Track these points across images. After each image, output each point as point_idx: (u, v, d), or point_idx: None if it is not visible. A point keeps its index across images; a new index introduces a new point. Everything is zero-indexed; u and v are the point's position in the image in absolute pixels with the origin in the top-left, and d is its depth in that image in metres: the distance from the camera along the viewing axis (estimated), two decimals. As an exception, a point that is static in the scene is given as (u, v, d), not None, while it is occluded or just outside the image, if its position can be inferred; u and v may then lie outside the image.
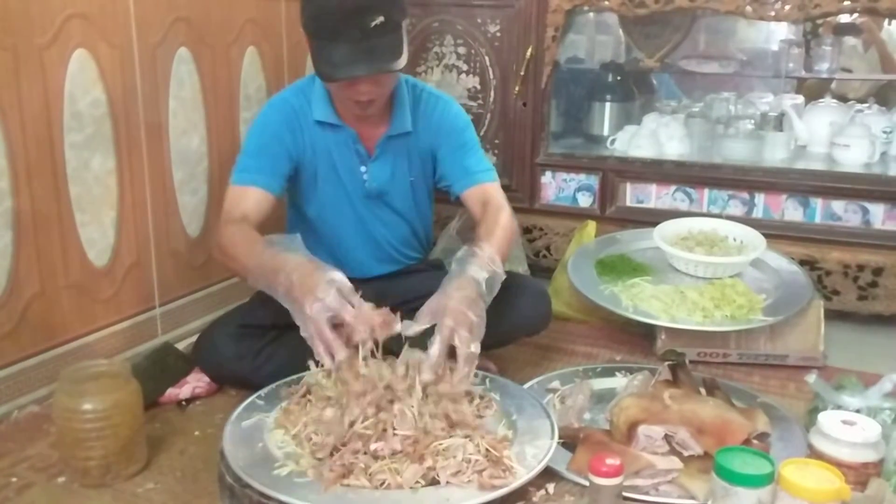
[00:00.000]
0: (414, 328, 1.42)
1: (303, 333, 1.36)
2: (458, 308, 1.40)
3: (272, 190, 1.70)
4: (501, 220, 1.70)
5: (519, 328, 1.82)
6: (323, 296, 1.33)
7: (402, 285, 1.90)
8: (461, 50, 2.57)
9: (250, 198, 1.66)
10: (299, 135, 1.75)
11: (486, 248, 1.54)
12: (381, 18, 1.50)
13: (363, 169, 1.80)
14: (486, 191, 1.80)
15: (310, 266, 1.40)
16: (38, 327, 1.69)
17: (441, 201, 2.03)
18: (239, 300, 1.97)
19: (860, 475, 1.28)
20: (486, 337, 1.63)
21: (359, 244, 1.88)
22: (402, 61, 1.55)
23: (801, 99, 3.10)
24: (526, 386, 1.69)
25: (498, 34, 2.52)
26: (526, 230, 2.58)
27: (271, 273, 1.41)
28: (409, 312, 1.86)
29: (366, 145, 1.78)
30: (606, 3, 2.37)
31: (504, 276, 1.54)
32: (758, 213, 2.38)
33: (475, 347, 1.40)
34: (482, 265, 1.49)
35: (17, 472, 1.46)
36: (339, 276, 1.38)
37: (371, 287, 1.89)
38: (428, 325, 1.41)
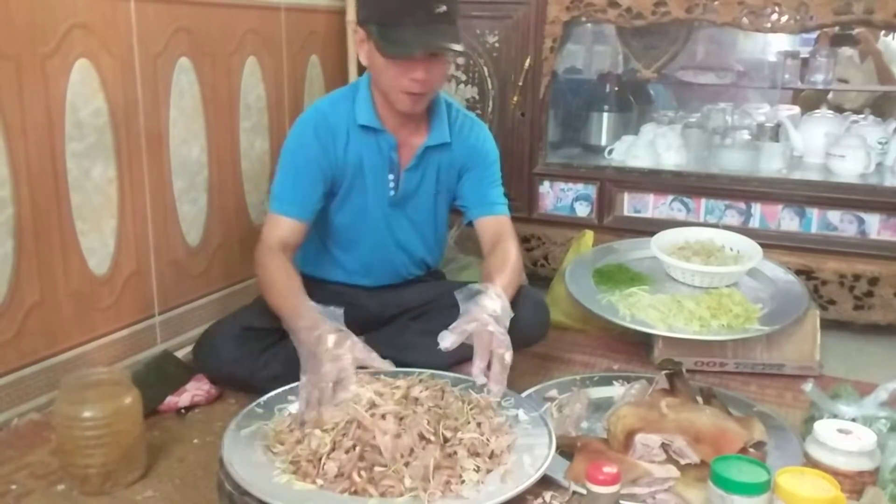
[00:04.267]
0: (450, 338, 1.49)
1: (304, 383, 1.44)
2: (490, 320, 1.51)
3: (305, 218, 1.77)
4: (512, 256, 1.78)
5: (517, 338, 1.82)
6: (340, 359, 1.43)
7: (403, 293, 1.91)
8: (460, 60, 2.59)
9: (285, 227, 1.74)
10: (332, 149, 1.78)
11: (494, 286, 1.61)
12: (444, 7, 1.62)
13: (391, 177, 1.83)
14: (500, 223, 1.88)
15: (339, 332, 1.47)
16: (38, 335, 1.69)
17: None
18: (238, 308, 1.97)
19: (856, 484, 1.29)
20: None
21: (369, 250, 1.89)
22: (461, 47, 1.66)
23: (797, 110, 3.12)
24: (523, 395, 1.69)
25: (496, 45, 2.53)
26: (524, 239, 2.59)
27: (304, 330, 1.49)
28: (410, 320, 1.88)
29: (401, 153, 1.81)
30: (604, 14, 2.38)
31: (512, 314, 1.59)
32: (754, 222, 2.40)
33: (509, 357, 1.50)
34: (492, 298, 1.56)
35: (17, 479, 1.46)
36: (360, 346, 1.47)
37: (374, 295, 1.91)
38: (465, 335, 1.50)
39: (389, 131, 1.79)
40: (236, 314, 1.82)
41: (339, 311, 1.50)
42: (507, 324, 1.56)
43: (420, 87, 1.67)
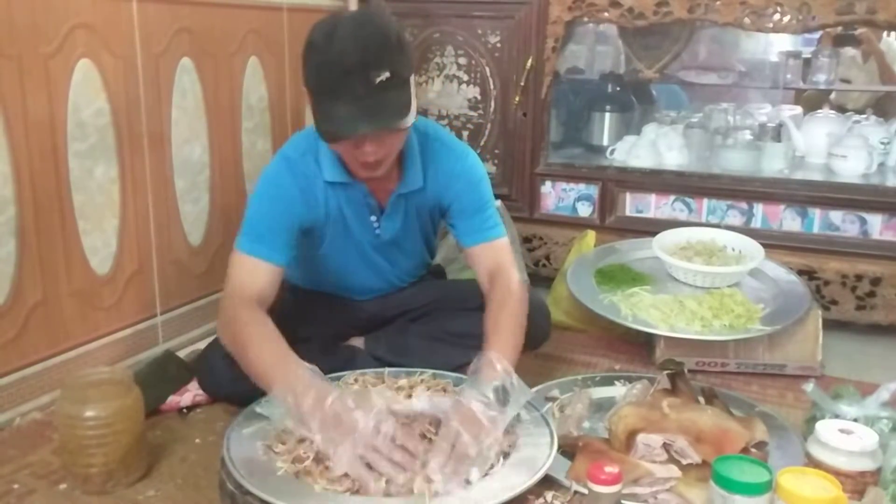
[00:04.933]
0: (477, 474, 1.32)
1: (345, 464, 1.28)
2: (467, 410, 1.35)
3: (283, 263, 1.60)
4: (513, 297, 1.62)
5: None
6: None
7: (404, 294, 1.91)
8: (462, 60, 2.59)
9: (262, 274, 1.56)
10: (311, 199, 1.65)
11: (497, 360, 1.44)
12: (387, 74, 1.40)
13: (374, 219, 1.72)
14: (495, 250, 1.72)
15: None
16: (40, 335, 1.70)
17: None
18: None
19: (857, 484, 1.29)
20: (478, 350, 1.56)
21: (365, 277, 1.85)
22: (410, 119, 1.47)
23: (799, 110, 3.12)
24: (525, 394, 1.69)
25: (498, 45, 2.54)
26: (526, 240, 2.59)
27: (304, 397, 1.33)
28: (410, 321, 1.88)
29: (377, 198, 1.70)
30: (606, 14, 2.39)
31: (528, 393, 1.44)
32: (756, 223, 2.40)
33: (473, 450, 1.31)
34: (490, 381, 1.40)
35: (19, 478, 1.47)
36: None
37: (373, 299, 1.90)
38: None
39: (360, 181, 1.64)
40: None
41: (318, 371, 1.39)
42: (521, 401, 1.42)
43: (373, 157, 1.48)
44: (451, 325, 1.83)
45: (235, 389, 1.63)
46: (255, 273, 1.56)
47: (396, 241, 1.80)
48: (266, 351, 1.44)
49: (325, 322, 1.83)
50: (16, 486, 1.44)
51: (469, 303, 1.83)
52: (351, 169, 1.61)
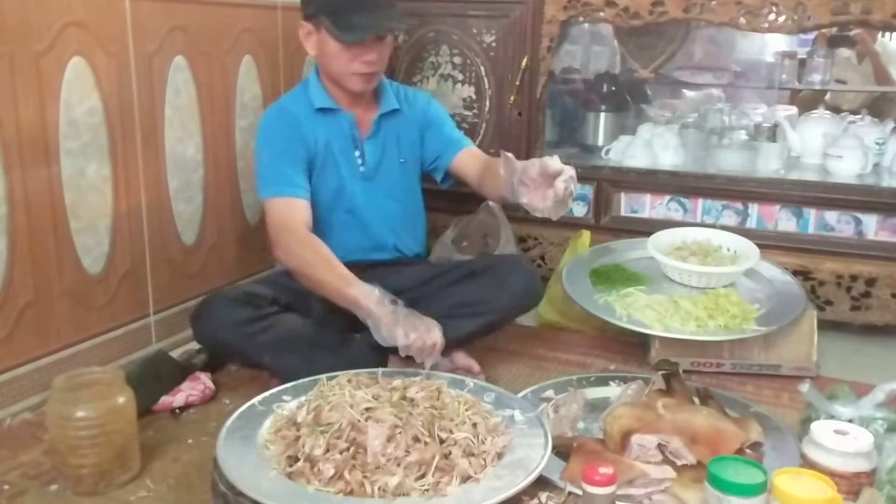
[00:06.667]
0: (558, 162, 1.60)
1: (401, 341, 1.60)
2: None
3: (305, 196, 1.85)
4: None
5: (511, 305, 1.89)
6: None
7: (397, 276, 1.93)
8: (457, 60, 2.58)
9: (302, 210, 1.82)
10: (300, 132, 1.89)
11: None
12: None
13: (357, 153, 1.96)
14: (475, 152, 2.05)
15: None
16: (31, 334, 1.69)
17: (435, 210, 2.03)
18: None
19: (852, 485, 1.29)
20: (478, 317, 1.84)
21: (353, 229, 1.96)
22: (404, 25, 2.04)
23: (794, 110, 3.12)
24: (520, 395, 1.69)
25: (493, 44, 2.53)
26: (521, 239, 2.58)
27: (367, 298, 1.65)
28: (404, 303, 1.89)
29: (361, 129, 1.96)
30: (601, 13, 2.38)
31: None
32: (751, 223, 2.39)
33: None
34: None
35: (10, 479, 1.46)
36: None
37: (367, 275, 1.90)
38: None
39: (346, 110, 1.94)
40: (238, 284, 1.85)
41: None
42: None
43: (372, 67, 1.86)
44: (447, 299, 1.88)
45: (230, 337, 1.73)
46: (294, 210, 1.81)
47: (377, 172, 1.99)
48: (331, 274, 1.72)
49: (320, 309, 1.83)
50: (6, 486, 1.43)
51: (461, 273, 1.93)
52: (340, 92, 1.92)
